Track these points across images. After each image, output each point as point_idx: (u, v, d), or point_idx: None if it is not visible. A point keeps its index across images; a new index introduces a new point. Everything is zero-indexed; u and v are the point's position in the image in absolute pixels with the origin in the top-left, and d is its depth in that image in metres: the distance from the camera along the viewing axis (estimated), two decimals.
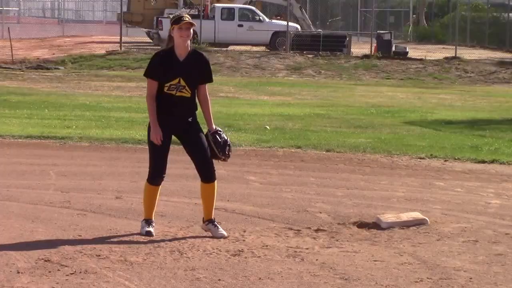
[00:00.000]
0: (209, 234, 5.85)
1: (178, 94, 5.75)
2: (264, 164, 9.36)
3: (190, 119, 5.82)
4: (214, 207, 5.92)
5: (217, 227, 5.84)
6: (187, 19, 5.79)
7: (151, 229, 5.82)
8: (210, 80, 5.95)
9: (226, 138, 5.87)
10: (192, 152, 5.87)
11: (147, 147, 10.86)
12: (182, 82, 5.75)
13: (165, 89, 5.74)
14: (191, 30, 5.84)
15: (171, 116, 5.75)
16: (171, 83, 5.73)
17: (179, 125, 5.81)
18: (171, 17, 5.89)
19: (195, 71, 5.82)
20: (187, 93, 5.78)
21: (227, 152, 5.84)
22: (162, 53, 5.84)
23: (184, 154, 10.07)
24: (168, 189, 7.64)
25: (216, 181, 5.88)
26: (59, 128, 11.85)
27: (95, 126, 12.16)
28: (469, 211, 6.95)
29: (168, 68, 5.74)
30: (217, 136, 5.83)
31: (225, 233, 5.82)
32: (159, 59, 5.78)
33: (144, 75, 5.79)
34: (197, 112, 5.92)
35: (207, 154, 5.86)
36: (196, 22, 29.38)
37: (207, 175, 5.85)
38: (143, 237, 5.77)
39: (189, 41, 5.87)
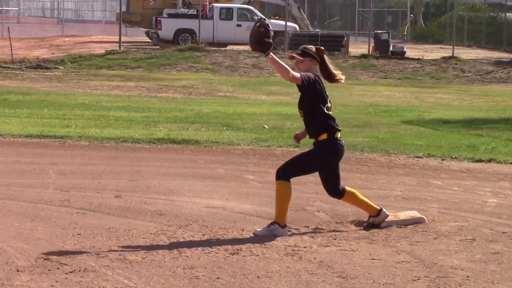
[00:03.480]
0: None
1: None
2: (263, 163, 9.39)
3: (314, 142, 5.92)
4: (278, 209, 5.88)
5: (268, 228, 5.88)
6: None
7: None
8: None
9: (255, 25, 5.67)
10: None
11: (145, 145, 10.97)
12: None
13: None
14: (301, 65, 5.90)
15: None
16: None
17: None
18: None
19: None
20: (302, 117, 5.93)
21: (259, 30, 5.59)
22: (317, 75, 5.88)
23: (184, 153, 10.13)
24: (167, 187, 7.67)
25: (281, 182, 5.87)
26: (58, 127, 11.86)
27: (94, 125, 12.18)
28: (466, 210, 6.97)
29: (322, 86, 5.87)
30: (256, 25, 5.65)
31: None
32: (317, 79, 5.83)
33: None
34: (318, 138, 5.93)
35: (292, 158, 6.00)
36: (195, 22, 29.25)
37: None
38: (142, 236, 5.80)
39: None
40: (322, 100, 5.82)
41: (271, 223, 5.91)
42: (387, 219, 6.26)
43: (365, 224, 6.20)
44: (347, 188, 6.16)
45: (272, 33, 5.70)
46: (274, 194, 7.51)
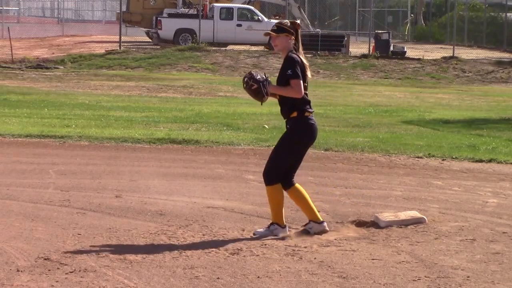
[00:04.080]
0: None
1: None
2: (263, 163, 9.30)
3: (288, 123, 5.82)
4: (274, 211, 5.83)
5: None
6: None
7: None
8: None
9: (247, 79, 5.75)
10: None
11: (145, 145, 10.97)
12: None
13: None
14: (277, 40, 5.83)
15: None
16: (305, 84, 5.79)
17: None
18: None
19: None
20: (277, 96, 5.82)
21: (251, 84, 5.69)
22: (297, 55, 5.80)
23: (184, 153, 10.12)
24: (168, 188, 7.67)
25: (271, 187, 5.78)
26: (58, 127, 11.86)
27: (94, 125, 12.18)
28: (466, 210, 6.96)
29: (303, 69, 5.77)
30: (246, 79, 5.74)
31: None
32: (300, 61, 5.77)
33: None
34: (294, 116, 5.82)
35: (269, 158, 5.87)
36: (195, 21, 29.20)
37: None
38: (142, 236, 5.79)
39: None
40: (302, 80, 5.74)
41: (271, 224, 5.91)
42: (386, 219, 6.25)
43: (300, 229, 5.95)
44: (297, 185, 5.89)
45: (254, 78, 5.74)
46: None
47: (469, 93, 21.59)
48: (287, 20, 5.95)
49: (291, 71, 5.66)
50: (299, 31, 5.85)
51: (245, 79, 5.78)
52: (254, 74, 5.78)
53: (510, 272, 5.12)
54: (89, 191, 7.38)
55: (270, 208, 5.90)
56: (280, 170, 5.79)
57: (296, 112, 5.74)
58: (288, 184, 5.85)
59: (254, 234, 5.87)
